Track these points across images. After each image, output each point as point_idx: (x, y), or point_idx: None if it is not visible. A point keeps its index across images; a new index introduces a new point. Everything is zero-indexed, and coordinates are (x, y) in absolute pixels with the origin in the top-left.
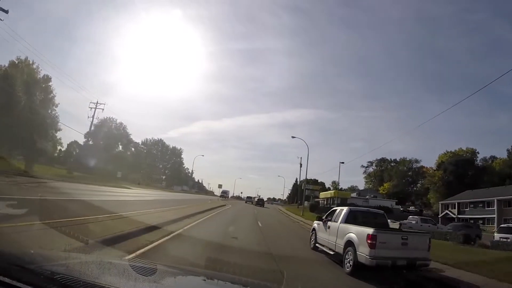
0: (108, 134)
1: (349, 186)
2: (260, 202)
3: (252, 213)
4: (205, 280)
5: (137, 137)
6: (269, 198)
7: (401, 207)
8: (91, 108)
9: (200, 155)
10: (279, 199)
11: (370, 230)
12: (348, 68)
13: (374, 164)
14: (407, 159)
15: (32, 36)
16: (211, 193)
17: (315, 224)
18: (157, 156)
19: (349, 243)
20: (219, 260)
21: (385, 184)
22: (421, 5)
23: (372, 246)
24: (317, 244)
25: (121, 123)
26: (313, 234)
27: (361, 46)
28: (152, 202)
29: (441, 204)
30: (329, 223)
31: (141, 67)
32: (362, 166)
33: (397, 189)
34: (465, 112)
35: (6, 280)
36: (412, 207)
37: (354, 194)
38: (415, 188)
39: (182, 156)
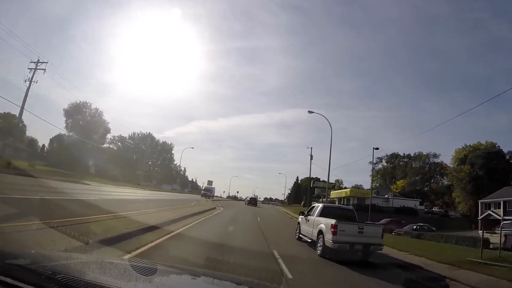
0: (82, 122)
1: (353, 186)
2: (252, 201)
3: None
4: (205, 280)
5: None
6: (266, 198)
7: (425, 209)
8: (31, 69)
9: (190, 148)
10: (276, 199)
11: (333, 221)
12: (346, 67)
13: (383, 160)
14: (423, 153)
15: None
16: None
17: (300, 218)
18: (146, 152)
19: (320, 232)
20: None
21: (398, 182)
22: (420, 3)
23: (334, 233)
24: (300, 235)
25: (96, 109)
26: (298, 227)
27: (359, 45)
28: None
29: (481, 203)
30: (309, 217)
31: (137, 67)
32: (371, 162)
33: (412, 187)
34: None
35: (7, 280)
36: (435, 207)
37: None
38: (433, 186)
39: (172, 152)
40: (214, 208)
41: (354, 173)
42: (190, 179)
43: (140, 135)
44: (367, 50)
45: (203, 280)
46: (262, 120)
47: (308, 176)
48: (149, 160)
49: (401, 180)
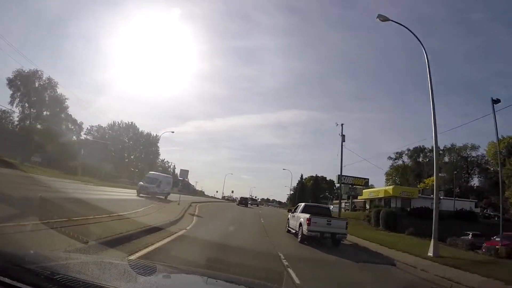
0: (34, 96)
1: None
2: (242, 201)
3: None
4: (204, 280)
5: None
6: (263, 199)
7: (485, 212)
8: None
9: (170, 132)
10: (274, 199)
11: (308, 215)
12: (342, 68)
13: (404, 155)
14: (456, 146)
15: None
16: (200, 193)
17: (289, 215)
18: (128, 144)
19: (300, 224)
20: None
21: (426, 180)
22: (416, 5)
23: (308, 224)
24: (288, 228)
25: (49, 80)
26: (287, 222)
27: (355, 46)
28: None
29: None
30: (294, 213)
31: (134, 66)
32: (390, 158)
33: (447, 185)
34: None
35: (7, 280)
36: (487, 210)
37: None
38: (474, 184)
39: (158, 145)
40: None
41: (359, 173)
42: (188, 180)
43: (121, 125)
44: (363, 51)
45: (202, 280)
46: (258, 121)
47: (313, 175)
48: (132, 154)
49: (430, 178)
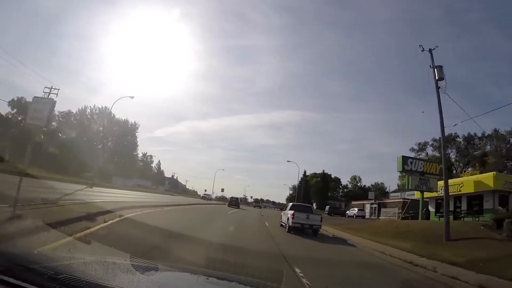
0: None
1: (372, 184)
2: (233, 202)
3: None
4: (206, 279)
5: None
6: (256, 200)
7: None
8: None
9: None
10: (268, 200)
11: (292, 212)
12: (336, 69)
13: (429, 146)
14: (500, 132)
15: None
16: (193, 193)
17: (282, 213)
18: (101, 133)
19: (287, 218)
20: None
21: (463, 174)
22: (410, 6)
23: (292, 218)
24: (281, 222)
25: None
26: (280, 218)
27: (350, 47)
28: None
29: None
30: (284, 211)
31: (128, 65)
32: (412, 149)
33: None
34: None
35: (10, 280)
36: None
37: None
38: None
39: (136, 135)
40: None
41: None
42: (169, 176)
43: (94, 110)
44: (358, 52)
45: (203, 280)
46: (252, 121)
47: (317, 172)
48: (101, 144)
49: (470, 172)
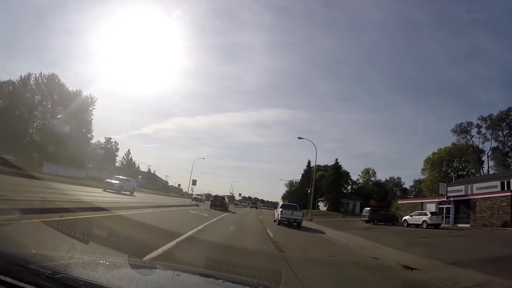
0: None
1: (387, 179)
2: (217, 203)
3: None
4: (204, 279)
5: (112, 133)
6: (244, 197)
7: None
8: None
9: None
10: (256, 198)
11: (281, 209)
12: (325, 69)
13: (474, 127)
14: None
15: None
16: (178, 191)
17: (274, 210)
18: (41, 106)
19: (277, 214)
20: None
21: None
22: (402, 9)
23: (281, 214)
24: (274, 218)
25: None
26: (274, 215)
27: (339, 47)
28: None
29: None
30: (276, 209)
31: (115, 61)
32: (453, 131)
33: None
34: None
35: (8, 279)
36: None
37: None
38: None
39: (92, 111)
40: None
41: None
42: (154, 172)
43: (40, 79)
44: (347, 52)
45: (202, 280)
46: (240, 119)
47: (319, 164)
48: (41, 120)
49: None
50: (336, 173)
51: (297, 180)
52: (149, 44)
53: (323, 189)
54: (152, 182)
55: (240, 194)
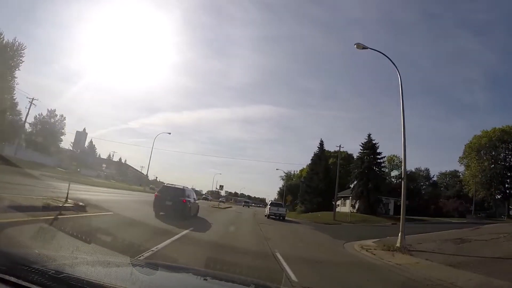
0: None
1: (413, 170)
2: (167, 202)
3: None
4: (206, 279)
5: (99, 127)
6: (230, 193)
7: None
8: None
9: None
10: (242, 193)
11: (269, 206)
12: (310, 67)
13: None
14: None
15: None
16: (158, 184)
17: (265, 208)
18: None
19: (267, 210)
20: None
21: None
22: (387, 8)
23: (269, 210)
24: (265, 214)
25: None
26: (265, 211)
27: (325, 46)
28: None
29: None
30: (266, 207)
31: (103, 55)
32: None
33: None
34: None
35: (12, 279)
36: None
37: None
38: None
39: (20, 65)
40: None
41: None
42: (125, 162)
43: None
44: (333, 51)
45: (204, 280)
46: (226, 115)
47: (329, 150)
48: None
49: None
50: (372, 153)
51: (295, 172)
52: (136, 39)
53: (347, 181)
54: (122, 173)
55: (222, 187)
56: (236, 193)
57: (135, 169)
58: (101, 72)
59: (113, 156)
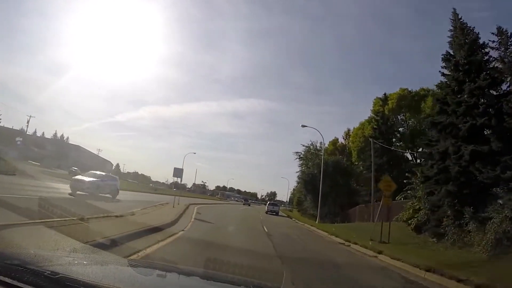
0: None
1: None
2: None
3: None
4: (204, 280)
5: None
6: (218, 187)
7: None
8: None
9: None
10: (232, 188)
11: (267, 205)
12: (300, 61)
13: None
14: None
15: None
16: (146, 180)
17: (265, 206)
18: None
19: (266, 207)
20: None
21: None
22: (379, 3)
23: (267, 207)
24: (265, 211)
25: None
26: (265, 208)
27: (315, 39)
28: None
29: None
30: (267, 205)
31: (89, 47)
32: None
33: None
34: None
35: (7, 280)
36: None
37: None
38: None
39: None
40: None
41: None
42: (79, 146)
43: None
44: (323, 46)
45: (202, 281)
46: (215, 109)
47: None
48: None
49: None
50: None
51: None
52: (124, 30)
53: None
54: (62, 155)
55: (205, 183)
56: (224, 187)
57: (102, 157)
58: (87, 64)
59: (98, 152)
